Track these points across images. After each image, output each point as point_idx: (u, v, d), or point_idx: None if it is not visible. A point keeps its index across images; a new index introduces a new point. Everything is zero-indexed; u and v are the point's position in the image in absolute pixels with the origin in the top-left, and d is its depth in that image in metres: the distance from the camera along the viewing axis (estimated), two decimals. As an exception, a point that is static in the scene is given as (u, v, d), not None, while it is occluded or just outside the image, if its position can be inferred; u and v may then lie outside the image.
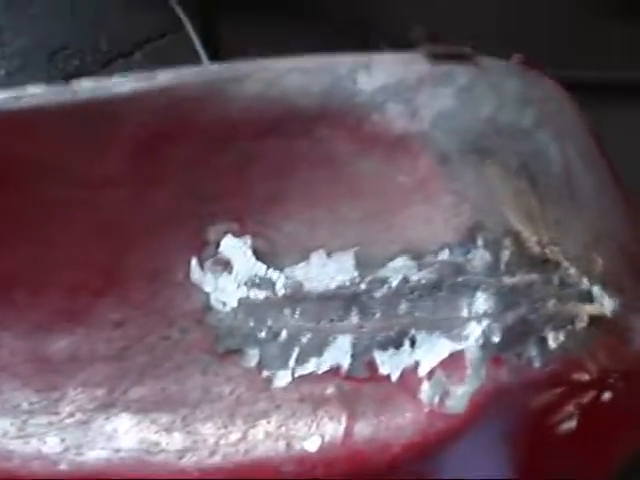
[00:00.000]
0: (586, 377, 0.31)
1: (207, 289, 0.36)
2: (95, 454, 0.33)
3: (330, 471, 0.31)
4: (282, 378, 0.34)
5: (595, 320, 0.33)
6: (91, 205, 0.36)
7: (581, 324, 0.32)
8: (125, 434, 0.33)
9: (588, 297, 0.33)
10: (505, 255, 0.33)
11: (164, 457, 0.32)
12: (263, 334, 0.35)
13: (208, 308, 0.36)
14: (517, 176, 0.34)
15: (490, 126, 0.35)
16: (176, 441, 0.33)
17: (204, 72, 0.41)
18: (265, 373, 0.34)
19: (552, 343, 0.32)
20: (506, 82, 0.38)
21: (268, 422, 0.33)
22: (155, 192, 0.37)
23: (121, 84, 0.39)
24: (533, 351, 0.32)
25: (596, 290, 0.33)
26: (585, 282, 0.33)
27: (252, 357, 0.34)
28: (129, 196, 0.37)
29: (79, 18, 0.75)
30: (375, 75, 0.37)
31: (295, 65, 0.39)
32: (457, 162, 0.34)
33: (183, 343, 0.35)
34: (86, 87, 0.39)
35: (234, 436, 0.33)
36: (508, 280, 0.32)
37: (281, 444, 0.32)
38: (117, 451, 0.33)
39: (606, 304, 0.33)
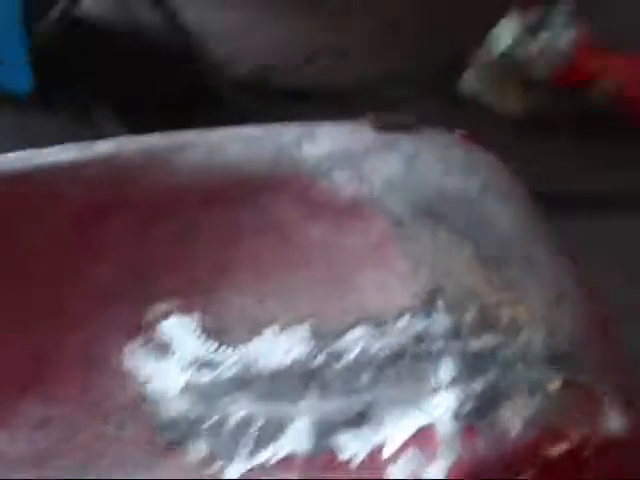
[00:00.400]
0: (566, 445, 0.30)
1: (145, 375, 0.32)
2: None
3: None
4: (235, 470, 0.30)
5: (567, 383, 0.31)
6: (23, 278, 0.34)
7: (553, 387, 0.31)
8: None
9: (557, 359, 0.32)
10: (467, 318, 0.31)
11: None
12: (212, 421, 0.31)
13: (146, 397, 0.32)
14: (467, 240, 0.34)
15: (438, 192, 0.35)
16: None
17: (145, 141, 0.39)
18: (216, 465, 0.31)
19: (526, 409, 0.30)
20: (450, 151, 0.38)
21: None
22: (94, 266, 0.34)
23: (60, 153, 0.37)
24: (507, 419, 0.29)
25: (564, 348, 0.32)
26: (553, 343, 0.32)
27: (199, 449, 0.31)
28: (66, 270, 0.34)
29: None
30: (320, 143, 0.36)
31: (238, 133, 0.38)
32: (411, 225, 0.33)
33: (120, 439, 0.31)
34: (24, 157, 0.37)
35: None
36: (473, 344, 0.30)
37: None
38: None
39: (576, 366, 0.32)
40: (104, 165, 0.35)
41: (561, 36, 0.88)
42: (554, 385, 0.30)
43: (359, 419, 0.30)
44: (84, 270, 0.34)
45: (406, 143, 0.37)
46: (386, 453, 0.29)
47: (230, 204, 0.35)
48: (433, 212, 0.34)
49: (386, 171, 0.36)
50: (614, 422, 0.31)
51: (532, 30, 0.88)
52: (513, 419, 0.29)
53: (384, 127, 0.37)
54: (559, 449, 0.29)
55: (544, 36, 0.88)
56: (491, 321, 0.31)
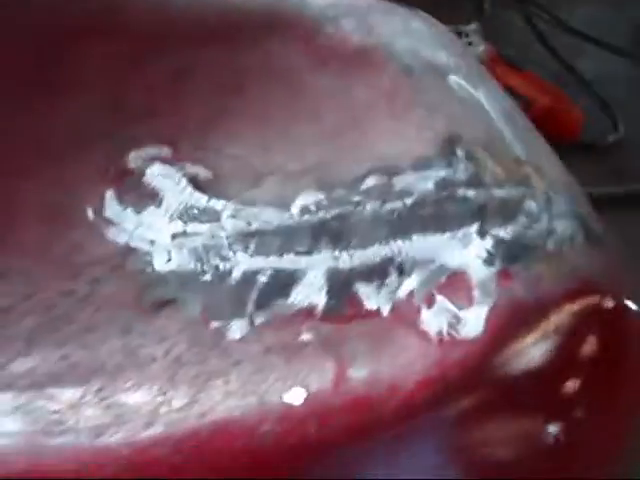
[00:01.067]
0: (608, 301, 0.28)
1: (128, 226, 0.27)
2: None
3: (326, 425, 0.23)
4: (238, 328, 0.26)
5: (591, 239, 0.30)
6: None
7: (580, 242, 0.29)
8: (8, 416, 0.23)
9: (577, 215, 0.30)
10: (489, 168, 0.29)
11: (71, 438, 0.22)
12: (208, 277, 0.26)
13: (129, 251, 0.26)
14: (477, 94, 0.32)
15: (439, 55, 0.33)
16: (90, 416, 0.23)
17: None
18: (214, 325, 0.26)
19: (557, 259, 0.28)
20: (438, 26, 0.35)
21: (226, 382, 0.24)
22: (61, 104, 0.27)
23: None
24: (540, 267, 0.28)
25: (582, 212, 0.31)
26: (574, 201, 0.30)
27: (193, 307, 0.26)
28: (22, 107, 0.27)
29: None
30: None
31: None
32: (422, 76, 0.30)
33: (94, 298, 0.26)
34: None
35: (179, 402, 0.23)
36: (497, 192, 0.29)
37: (251, 400, 0.24)
38: (-4, 437, 0.22)
39: (594, 225, 0.31)
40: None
41: (475, 45, 0.92)
42: (581, 239, 0.29)
43: (382, 270, 0.27)
44: (45, 107, 0.28)
45: (402, 11, 0.35)
46: (417, 301, 0.26)
47: (231, 46, 0.30)
48: (438, 68, 0.32)
49: (390, 26, 0.33)
50: (628, 291, 0.31)
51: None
52: (546, 267, 0.28)
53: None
54: (592, 300, 0.28)
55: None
56: (511, 174, 0.29)
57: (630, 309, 0.30)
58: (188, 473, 0.23)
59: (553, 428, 0.28)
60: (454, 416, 0.26)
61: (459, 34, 0.86)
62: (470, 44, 0.84)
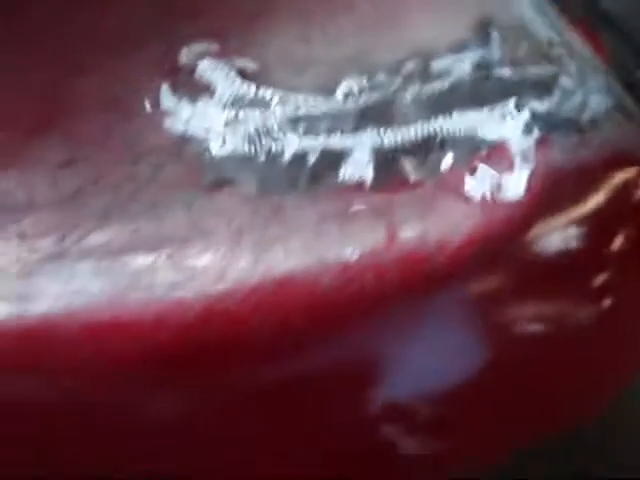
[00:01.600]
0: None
1: (184, 116, 0.28)
2: (45, 304, 0.24)
3: (382, 278, 0.25)
4: (292, 201, 0.28)
5: (626, 114, 0.31)
6: (23, 15, 0.29)
7: (615, 115, 0.30)
8: (88, 279, 0.25)
9: (612, 92, 0.31)
10: (523, 47, 0.30)
11: (147, 293, 0.24)
12: (261, 158, 0.28)
13: (186, 138, 0.28)
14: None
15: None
16: (164, 276, 0.25)
17: None
18: (270, 199, 0.28)
19: (594, 130, 0.29)
20: None
21: (286, 244, 0.26)
22: (110, 4, 0.30)
23: None
24: (577, 136, 0.29)
25: (616, 88, 0.32)
26: (605, 79, 0.31)
27: (250, 185, 0.28)
28: (75, 7, 0.30)
29: None
30: None
31: None
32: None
33: (156, 180, 0.28)
34: None
35: (243, 262, 0.25)
36: (532, 70, 0.30)
37: (311, 257, 0.25)
38: (78, 294, 0.24)
39: (628, 103, 0.32)
40: None
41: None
42: (616, 113, 0.30)
43: (425, 145, 0.28)
44: (98, 6, 0.30)
45: None
46: (460, 171, 0.28)
47: None
48: None
49: None
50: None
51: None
52: (583, 137, 0.29)
53: None
54: (628, 171, 0.29)
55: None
56: (545, 53, 0.30)
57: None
58: (255, 324, 0.25)
59: (586, 311, 0.30)
60: (500, 280, 0.27)
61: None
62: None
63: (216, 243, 0.26)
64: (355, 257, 0.25)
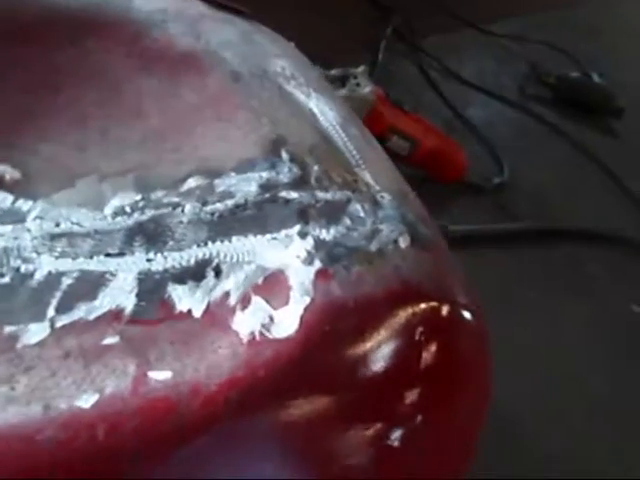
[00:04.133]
0: (435, 306, 0.28)
1: None
2: None
3: (118, 430, 0.21)
4: (35, 333, 0.24)
5: (419, 243, 0.30)
6: None
7: (405, 244, 0.29)
8: None
9: (405, 220, 0.30)
10: (314, 171, 0.29)
11: None
12: (6, 280, 0.25)
13: None
14: (306, 101, 0.32)
15: (273, 64, 0.33)
16: None
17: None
18: (8, 329, 0.24)
19: (380, 261, 0.28)
20: (279, 38, 0.36)
21: (12, 388, 0.22)
22: None
23: None
24: (361, 267, 0.27)
25: (411, 217, 0.31)
26: (401, 206, 0.30)
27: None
28: None
29: None
30: (151, 1, 0.33)
31: None
32: (249, 82, 0.30)
33: None
34: None
35: (-47, 411, 0.22)
36: (321, 195, 0.28)
37: (35, 407, 0.21)
38: None
39: (425, 231, 0.31)
40: None
41: (362, 87, 0.95)
42: (406, 242, 0.29)
43: (198, 272, 0.26)
44: None
45: (240, 22, 0.35)
46: (232, 302, 0.25)
47: (46, 45, 0.29)
48: (271, 75, 0.32)
49: (222, 34, 0.33)
50: (461, 298, 0.31)
51: (335, 81, 0.94)
52: (368, 268, 0.27)
53: (217, 5, 0.35)
54: (416, 303, 0.28)
55: (347, 86, 0.95)
56: (338, 178, 0.29)
57: (462, 317, 0.30)
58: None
59: (395, 435, 0.28)
60: (280, 421, 0.25)
61: (346, 76, 0.89)
62: (358, 85, 0.86)
63: None
64: (89, 405, 0.22)
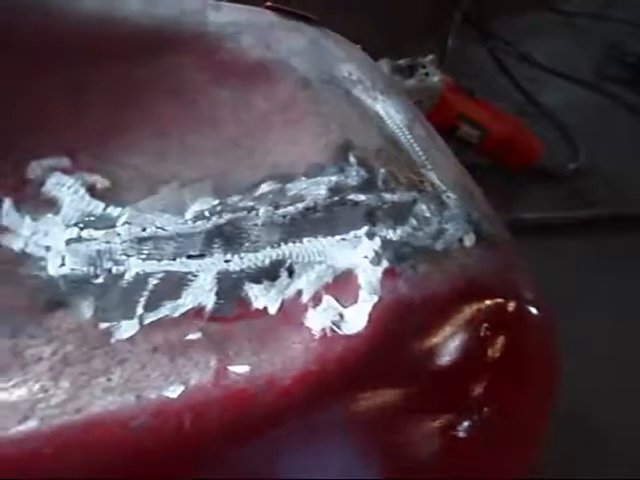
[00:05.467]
0: (497, 299, 0.28)
1: (24, 233, 0.28)
2: None
3: (202, 418, 0.23)
4: (126, 329, 0.26)
5: (484, 241, 0.30)
6: None
7: (470, 243, 0.30)
8: None
9: (470, 219, 0.31)
10: (381, 173, 0.30)
11: None
12: (100, 280, 0.27)
13: (24, 256, 0.27)
14: (373, 106, 0.33)
15: (341, 70, 0.34)
16: None
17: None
18: (103, 326, 0.26)
19: (446, 259, 0.29)
20: (347, 43, 0.37)
21: (108, 379, 0.24)
22: None
23: None
24: (427, 266, 0.28)
25: (476, 215, 0.31)
26: (465, 207, 0.31)
27: (84, 309, 0.26)
28: None
29: None
30: (225, 13, 0.34)
31: None
32: (319, 88, 0.32)
33: (-13, 301, 0.27)
34: None
35: (58, 398, 0.24)
36: (388, 197, 0.30)
37: (129, 396, 0.24)
38: None
39: (489, 229, 0.31)
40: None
41: (431, 76, 0.95)
42: (471, 242, 0.30)
43: (272, 271, 0.27)
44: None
45: (308, 29, 0.36)
46: (304, 300, 0.27)
47: (128, 61, 0.32)
48: (338, 81, 0.33)
49: (291, 43, 0.34)
50: (527, 294, 0.32)
51: (403, 71, 0.94)
52: (434, 267, 0.28)
53: (286, 14, 0.36)
54: (481, 299, 0.29)
55: (416, 75, 0.94)
56: (404, 179, 0.30)
57: (528, 312, 0.31)
58: (61, 466, 0.23)
59: (462, 426, 0.29)
60: (350, 412, 0.26)
61: (415, 66, 0.89)
62: (426, 74, 0.86)
63: (36, 375, 0.25)
64: (176, 395, 0.24)
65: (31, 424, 0.23)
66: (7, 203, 0.29)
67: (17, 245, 0.28)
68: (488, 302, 0.28)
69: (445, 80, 0.90)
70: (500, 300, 0.29)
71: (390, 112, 0.33)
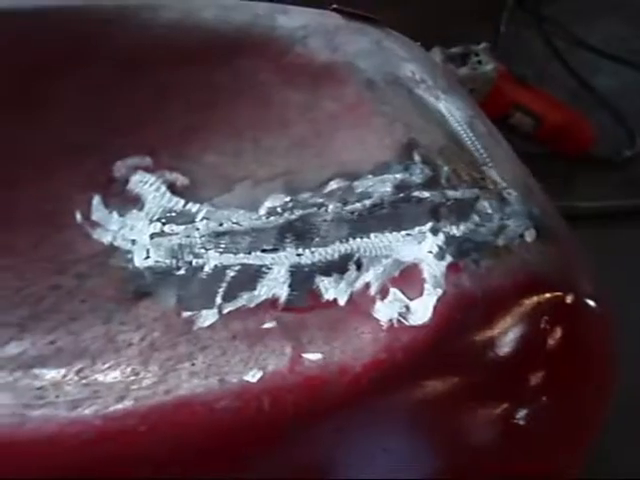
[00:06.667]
0: (560, 296, 0.29)
1: (112, 227, 0.30)
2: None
3: (280, 402, 0.25)
4: (207, 318, 0.28)
5: (544, 236, 0.31)
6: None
7: (530, 239, 0.31)
8: None
9: (531, 214, 0.32)
10: (444, 171, 0.31)
11: (49, 410, 0.25)
12: (182, 272, 0.29)
13: (112, 249, 0.30)
14: (437, 106, 0.34)
15: (405, 70, 0.35)
16: (68, 392, 0.25)
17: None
18: (185, 314, 0.28)
19: (508, 254, 0.30)
20: (410, 43, 0.39)
21: (193, 364, 0.27)
22: (43, 118, 0.31)
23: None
24: (490, 261, 0.29)
25: (536, 211, 0.32)
26: (526, 203, 0.32)
27: (168, 299, 0.28)
28: (15, 120, 0.31)
29: None
30: (293, 18, 0.36)
31: (212, 0, 0.36)
32: (384, 88, 0.33)
33: (79, 291, 0.29)
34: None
35: (148, 380, 0.26)
36: (451, 193, 0.31)
37: (212, 380, 0.26)
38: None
39: (549, 224, 0.32)
40: (74, 15, 0.34)
41: (484, 64, 0.94)
42: (531, 237, 0.31)
43: (341, 265, 0.29)
44: (36, 121, 0.31)
45: (372, 30, 0.37)
46: (372, 292, 0.28)
47: (205, 66, 0.34)
48: (402, 81, 0.34)
49: (357, 45, 0.36)
50: (586, 288, 0.32)
51: (456, 60, 0.94)
52: (496, 262, 0.29)
53: (351, 16, 0.38)
54: (542, 294, 0.30)
55: (468, 64, 0.94)
56: (467, 176, 0.31)
57: (587, 305, 0.32)
58: (152, 443, 0.25)
59: (521, 414, 0.30)
60: (416, 398, 0.28)
61: (467, 54, 0.89)
62: (479, 63, 0.86)
63: (127, 359, 0.27)
64: (256, 379, 0.26)
65: (127, 403, 0.25)
66: (96, 199, 0.31)
67: (106, 239, 0.30)
68: (548, 295, 0.30)
69: (498, 68, 0.90)
70: (559, 294, 0.30)
71: (452, 110, 0.34)
